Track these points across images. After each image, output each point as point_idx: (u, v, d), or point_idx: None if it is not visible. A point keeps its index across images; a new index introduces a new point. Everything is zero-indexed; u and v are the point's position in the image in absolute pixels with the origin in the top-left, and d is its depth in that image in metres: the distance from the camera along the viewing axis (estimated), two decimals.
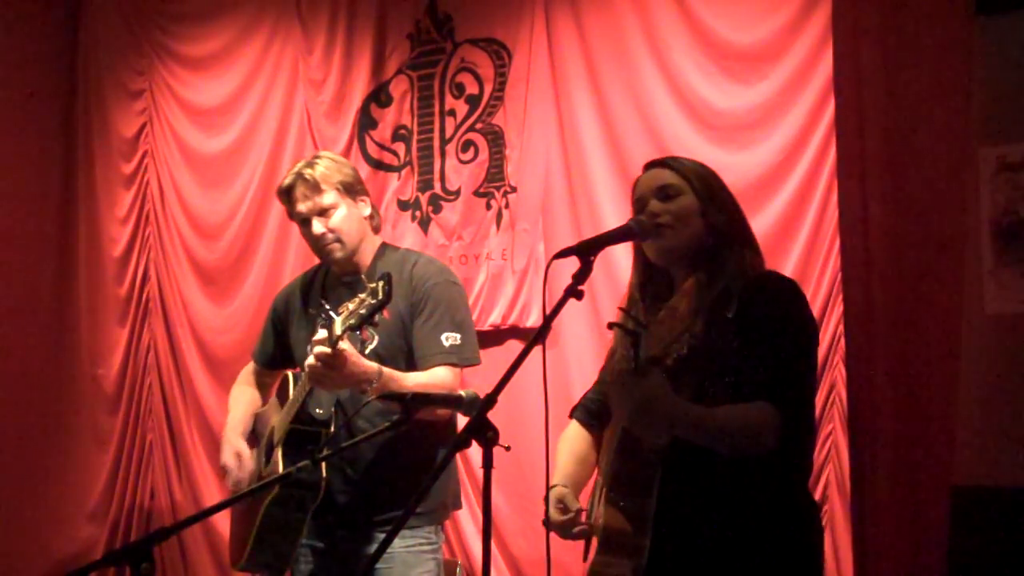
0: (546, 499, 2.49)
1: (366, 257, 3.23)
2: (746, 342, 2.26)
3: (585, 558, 2.48)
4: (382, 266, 3.18)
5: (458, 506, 3.35)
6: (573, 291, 2.24)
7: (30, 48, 5.15)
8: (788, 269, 3.51)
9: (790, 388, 2.27)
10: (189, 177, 4.99)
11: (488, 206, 4.31)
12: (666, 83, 3.93)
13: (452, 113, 4.40)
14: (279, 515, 3.09)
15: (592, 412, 2.65)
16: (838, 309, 3.50)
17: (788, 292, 2.37)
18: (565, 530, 2.47)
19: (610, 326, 2.39)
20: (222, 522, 4.77)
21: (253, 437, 3.34)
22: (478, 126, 4.35)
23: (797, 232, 3.65)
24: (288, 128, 4.74)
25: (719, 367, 2.27)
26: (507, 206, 4.25)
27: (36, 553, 5.00)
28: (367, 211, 3.26)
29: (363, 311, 2.78)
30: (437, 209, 4.40)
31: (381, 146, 4.54)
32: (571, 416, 2.69)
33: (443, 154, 4.40)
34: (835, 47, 3.43)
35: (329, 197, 3.18)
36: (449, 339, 3.07)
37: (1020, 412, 3.38)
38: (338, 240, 3.18)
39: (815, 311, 3.51)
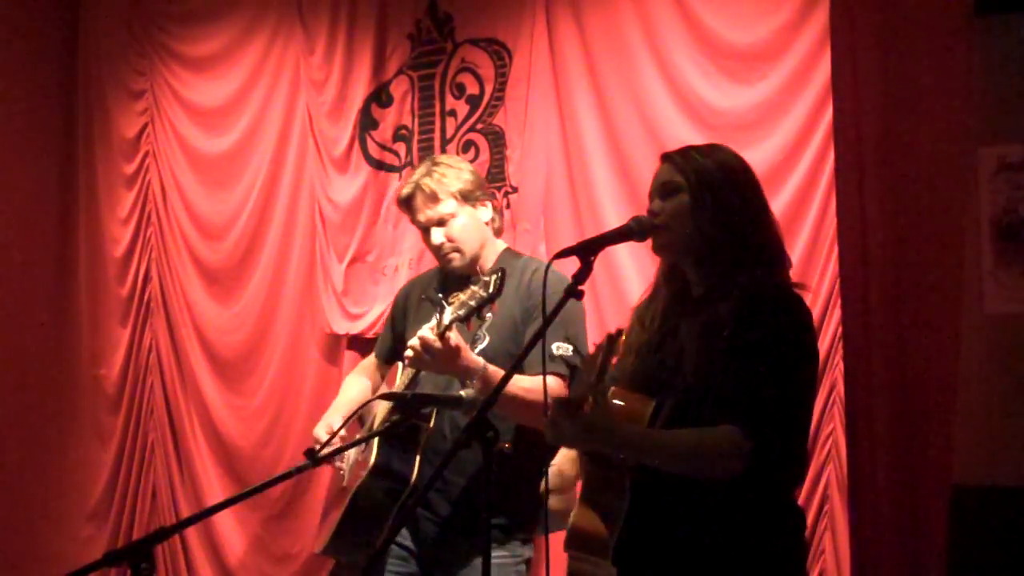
0: (546, 489, 2.50)
1: (487, 262, 3.26)
2: (732, 362, 2.24)
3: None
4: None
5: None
6: (573, 291, 2.25)
7: (30, 48, 5.14)
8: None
9: (764, 413, 2.21)
10: (192, 177, 4.99)
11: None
12: (666, 83, 3.94)
13: (453, 113, 4.40)
14: (365, 503, 3.13)
15: None
16: (838, 309, 3.50)
17: (782, 312, 2.32)
18: (544, 514, 2.50)
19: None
20: (223, 522, 4.79)
21: (359, 424, 3.36)
22: (479, 126, 4.35)
23: (798, 232, 3.64)
24: (291, 128, 4.74)
25: (706, 383, 2.26)
26: (508, 206, 4.25)
27: (36, 553, 5.00)
28: (487, 215, 3.28)
29: (473, 303, 2.83)
30: None
31: (382, 146, 4.54)
32: (562, 376, 2.72)
33: (444, 154, 4.40)
34: (833, 47, 3.43)
35: (447, 206, 3.22)
36: (560, 349, 3.05)
37: (1020, 412, 3.38)
38: (456, 250, 3.22)
39: (816, 311, 3.53)
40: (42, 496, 5.09)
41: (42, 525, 5.07)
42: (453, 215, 3.22)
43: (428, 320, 3.14)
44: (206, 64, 4.97)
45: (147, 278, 5.08)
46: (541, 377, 2.98)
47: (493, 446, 2.13)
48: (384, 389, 3.39)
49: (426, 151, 4.42)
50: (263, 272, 4.80)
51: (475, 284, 2.87)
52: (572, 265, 2.31)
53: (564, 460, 2.64)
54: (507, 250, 3.35)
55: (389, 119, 4.53)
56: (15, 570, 4.99)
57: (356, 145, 4.57)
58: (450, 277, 3.32)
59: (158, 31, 5.06)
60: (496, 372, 2.96)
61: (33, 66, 5.16)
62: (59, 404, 5.14)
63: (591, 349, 2.67)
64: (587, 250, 2.29)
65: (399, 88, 4.52)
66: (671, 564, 2.30)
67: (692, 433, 2.23)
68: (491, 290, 2.80)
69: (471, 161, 4.31)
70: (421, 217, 3.27)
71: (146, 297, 5.08)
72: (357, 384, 3.53)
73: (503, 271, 2.83)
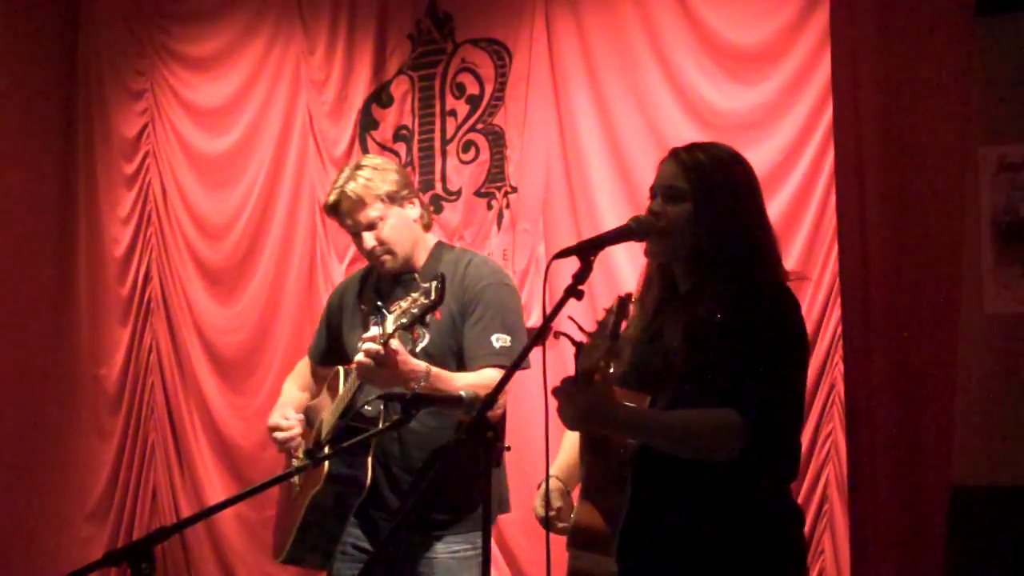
0: (546, 491, 2.50)
1: (420, 257, 3.25)
2: (723, 349, 2.25)
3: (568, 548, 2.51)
4: (435, 265, 3.20)
5: (505, 509, 3.31)
6: (573, 291, 2.25)
7: (30, 48, 5.15)
8: (788, 269, 3.50)
9: (760, 396, 2.22)
10: (192, 177, 4.99)
11: (489, 206, 4.31)
12: (667, 83, 3.93)
13: (453, 113, 4.40)
14: (322, 509, 3.13)
15: None
16: (838, 309, 3.50)
17: (773, 299, 2.33)
18: (548, 524, 2.50)
19: (556, 335, 2.39)
20: (224, 521, 4.79)
21: (307, 428, 3.37)
22: (479, 126, 4.35)
23: (797, 232, 3.65)
24: (291, 128, 4.74)
25: (698, 374, 2.27)
26: (508, 206, 4.25)
27: (36, 553, 5.00)
28: (415, 213, 3.26)
29: (415, 311, 2.82)
30: (438, 209, 4.40)
31: (382, 146, 4.54)
32: (502, 367, 2.73)
33: (444, 154, 4.40)
34: (833, 47, 3.44)
35: (374, 210, 3.19)
36: (499, 340, 3.05)
37: (1020, 412, 3.38)
38: (388, 252, 3.20)
39: (815, 311, 3.54)
40: (42, 496, 5.09)
41: (42, 525, 5.07)
42: (381, 218, 3.19)
43: (364, 325, 3.14)
44: (206, 64, 4.97)
45: (147, 278, 5.08)
46: (485, 372, 3.01)
47: (493, 446, 2.14)
48: (324, 391, 3.36)
49: (426, 151, 4.43)
50: (264, 272, 4.80)
51: (415, 291, 2.87)
52: (571, 264, 2.31)
53: (559, 470, 2.63)
54: (438, 244, 3.33)
55: (389, 119, 4.53)
56: (15, 570, 4.99)
57: (356, 145, 4.58)
58: (382, 278, 3.31)
59: (158, 31, 5.06)
60: (439, 373, 2.96)
61: (33, 66, 5.16)
62: (59, 404, 5.14)
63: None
64: (587, 250, 2.29)
65: (399, 88, 4.52)
66: (673, 558, 2.31)
67: (693, 413, 2.24)
68: (433, 297, 2.80)
69: (471, 161, 4.32)
70: (349, 222, 3.24)
71: (146, 297, 5.08)
72: (296, 385, 3.50)
73: (443, 276, 2.83)
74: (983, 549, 3.28)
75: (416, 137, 4.48)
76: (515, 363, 2.29)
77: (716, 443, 2.22)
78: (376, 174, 3.22)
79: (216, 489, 4.82)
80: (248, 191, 4.84)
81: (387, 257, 3.20)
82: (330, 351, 3.40)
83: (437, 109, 4.44)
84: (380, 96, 4.55)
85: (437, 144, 4.42)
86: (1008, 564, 3.27)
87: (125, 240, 5.10)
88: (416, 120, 4.48)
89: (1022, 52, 3.43)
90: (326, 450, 3.13)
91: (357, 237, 3.24)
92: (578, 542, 2.38)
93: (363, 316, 3.27)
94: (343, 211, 3.23)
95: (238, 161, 4.88)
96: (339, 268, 4.54)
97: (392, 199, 3.20)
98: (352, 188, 3.20)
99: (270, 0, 4.80)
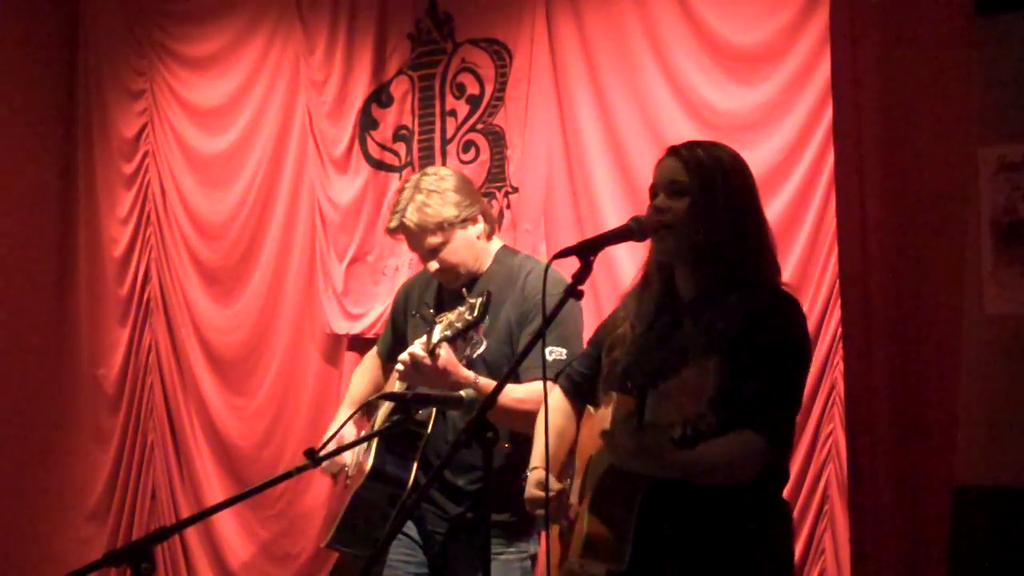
0: (546, 481, 2.50)
1: (484, 263, 3.28)
2: (743, 369, 2.28)
3: (563, 557, 2.50)
4: (497, 271, 3.24)
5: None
6: (573, 291, 2.26)
7: (30, 48, 5.15)
8: (788, 269, 3.50)
9: (779, 419, 2.33)
10: (191, 177, 4.99)
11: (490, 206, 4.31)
12: (667, 83, 3.93)
13: (453, 113, 4.40)
14: (365, 505, 3.19)
15: (577, 384, 2.68)
16: (838, 309, 3.50)
17: (788, 314, 2.40)
18: (544, 508, 2.49)
19: (618, 387, 2.40)
20: (223, 522, 4.79)
21: (366, 420, 3.41)
22: (479, 126, 4.35)
23: (797, 232, 3.65)
24: (290, 128, 4.74)
25: (717, 391, 2.28)
26: (508, 206, 4.25)
27: (36, 553, 5.00)
28: (479, 229, 3.27)
29: (459, 325, 2.89)
30: None
31: (382, 146, 4.54)
32: (555, 381, 2.72)
33: (444, 154, 4.40)
34: (833, 47, 3.43)
35: (435, 239, 3.21)
36: (553, 353, 3.03)
37: (1020, 412, 3.38)
38: (451, 272, 3.24)
39: (815, 311, 3.55)
40: (42, 496, 5.09)
41: (42, 525, 5.08)
42: (444, 243, 3.23)
43: (421, 329, 3.17)
44: (205, 64, 4.97)
45: (146, 278, 5.08)
46: (534, 385, 3.01)
47: (493, 446, 2.14)
48: (392, 378, 3.41)
49: (426, 151, 4.43)
50: (263, 272, 4.81)
51: (462, 305, 2.92)
52: (572, 265, 2.31)
53: (541, 460, 2.63)
54: (503, 249, 3.36)
55: (389, 119, 4.53)
56: (15, 570, 4.99)
57: (356, 145, 4.58)
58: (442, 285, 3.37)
59: (158, 31, 5.07)
60: (487, 384, 2.99)
61: (33, 66, 5.17)
62: (59, 404, 5.15)
63: None
64: (587, 250, 2.30)
65: (399, 88, 4.52)
66: (683, 566, 2.34)
67: (723, 447, 2.25)
68: (475, 314, 2.86)
69: (472, 161, 4.32)
70: (411, 246, 3.31)
71: (145, 297, 5.08)
72: (364, 378, 3.58)
73: (489, 295, 2.88)
74: (985, 549, 3.28)
75: (416, 137, 4.48)
76: (515, 363, 2.29)
77: (746, 469, 2.28)
78: (435, 199, 3.21)
79: (215, 489, 4.83)
80: (246, 191, 4.84)
81: (450, 277, 3.23)
82: (394, 348, 3.44)
83: (437, 109, 4.44)
84: (380, 96, 4.55)
85: (437, 144, 4.42)
86: (1009, 564, 3.27)
87: (124, 240, 5.10)
88: (416, 120, 4.48)
89: (1022, 52, 3.43)
90: (374, 445, 3.17)
91: (421, 258, 3.30)
92: (587, 552, 2.39)
93: (416, 320, 3.34)
94: (405, 236, 3.27)
95: (236, 161, 4.88)
96: (339, 268, 4.54)
97: (453, 224, 3.20)
98: (411, 218, 3.20)
99: (269, 0, 4.81)
